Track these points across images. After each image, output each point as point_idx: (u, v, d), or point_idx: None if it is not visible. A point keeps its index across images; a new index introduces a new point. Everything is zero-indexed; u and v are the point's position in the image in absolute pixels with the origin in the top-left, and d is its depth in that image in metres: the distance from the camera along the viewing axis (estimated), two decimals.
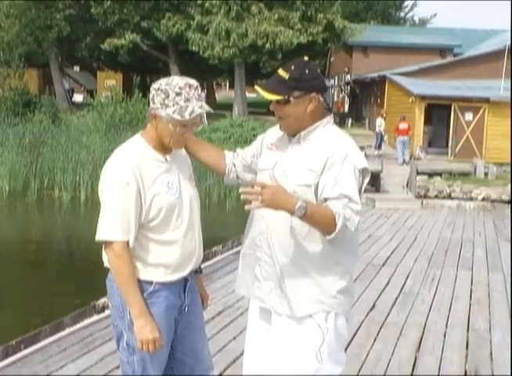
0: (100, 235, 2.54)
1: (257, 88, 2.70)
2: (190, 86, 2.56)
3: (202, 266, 2.93)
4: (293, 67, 2.62)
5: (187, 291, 2.73)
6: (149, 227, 2.60)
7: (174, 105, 2.52)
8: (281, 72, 2.64)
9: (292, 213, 2.41)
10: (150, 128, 2.65)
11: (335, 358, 2.71)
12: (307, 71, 2.61)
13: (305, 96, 2.62)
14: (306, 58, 2.71)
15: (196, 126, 2.65)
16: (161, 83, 2.58)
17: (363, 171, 2.65)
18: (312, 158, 2.62)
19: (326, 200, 2.55)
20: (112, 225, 2.52)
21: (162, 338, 2.60)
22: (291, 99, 2.62)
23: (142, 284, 2.59)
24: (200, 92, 2.59)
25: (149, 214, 2.58)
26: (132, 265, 2.56)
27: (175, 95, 2.52)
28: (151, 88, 2.60)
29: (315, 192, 2.60)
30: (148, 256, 2.61)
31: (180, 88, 2.54)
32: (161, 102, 2.54)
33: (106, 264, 2.63)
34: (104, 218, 2.55)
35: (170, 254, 2.63)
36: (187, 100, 2.53)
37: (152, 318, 2.57)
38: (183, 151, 2.82)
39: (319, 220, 2.49)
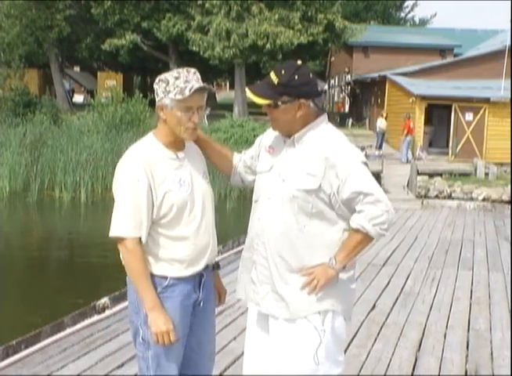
0: (113, 231, 2.59)
1: (246, 90, 2.71)
2: (188, 71, 2.64)
3: None
4: (283, 72, 2.61)
5: (202, 287, 2.75)
6: (162, 223, 2.64)
7: (174, 88, 2.59)
8: (272, 76, 2.63)
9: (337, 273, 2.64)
10: (160, 124, 2.70)
11: (333, 359, 2.71)
12: (296, 77, 2.59)
13: (294, 102, 2.61)
14: (299, 62, 2.68)
15: (201, 109, 2.67)
16: (160, 75, 2.67)
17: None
18: (311, 162, 2.62)
19: (346, 202, 2.60)
20: (124, 222, 2.57)
21: (176, 333, 2.61)
22: (279, 103, 2.61)
23: (156, 279, 2.62)
24: (198, 76, 2.65)
25: (161, 211, 2.61)
26: (144, 261, 2.59)
27: (174, 79, 2.60)
28: (154, 85, 2.68)
29: (317, 196, 2.60)
30: (161, 251, 2.65)
31: (178, 72, 2.63)
32: (163, 91, 2.62)
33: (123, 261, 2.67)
34: (116, 215, 2.60)
35: (183, 250, 2.66)
36: (186, 81, 2.59)
37: (165, 311, 2.59)
38: (197, 148, 2.85)
39: (357, 250, 2.64)
